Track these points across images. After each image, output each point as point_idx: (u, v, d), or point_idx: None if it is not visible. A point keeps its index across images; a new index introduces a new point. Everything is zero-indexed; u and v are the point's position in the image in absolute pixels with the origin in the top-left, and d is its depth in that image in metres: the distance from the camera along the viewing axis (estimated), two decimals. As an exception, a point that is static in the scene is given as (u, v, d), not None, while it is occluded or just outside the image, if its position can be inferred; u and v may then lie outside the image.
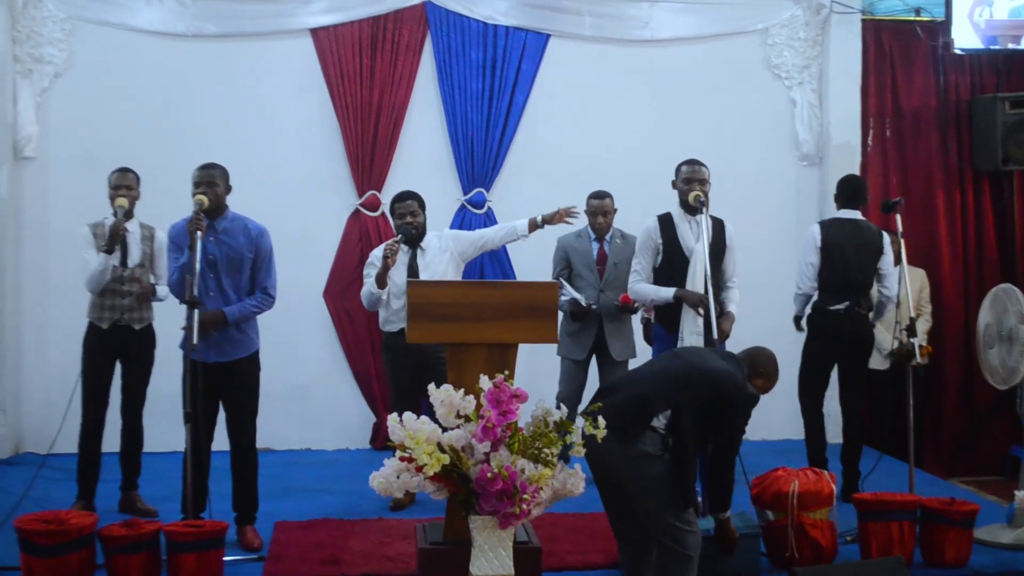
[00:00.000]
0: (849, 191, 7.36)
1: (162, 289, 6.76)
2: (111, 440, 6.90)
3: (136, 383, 6.87)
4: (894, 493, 5.99)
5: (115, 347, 6.79)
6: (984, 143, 9.26)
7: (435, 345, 6.73)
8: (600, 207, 7.68)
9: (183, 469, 5.77)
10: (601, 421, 4.72)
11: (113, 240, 6.58)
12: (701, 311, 6.50)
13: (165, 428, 7.03)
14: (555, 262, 7.79)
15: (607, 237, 7.69)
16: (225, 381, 6.10)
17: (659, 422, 4.90)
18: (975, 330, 7.16)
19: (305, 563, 5.77)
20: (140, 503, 6.79)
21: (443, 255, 7.15)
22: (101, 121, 8.68)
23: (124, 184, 6.74)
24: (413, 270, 7.08)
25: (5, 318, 8.49)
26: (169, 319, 6.44)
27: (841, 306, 7.14)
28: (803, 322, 7.45)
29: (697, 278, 6.61)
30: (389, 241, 7.06)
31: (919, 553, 5.87)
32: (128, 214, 6.66)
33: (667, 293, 6.70)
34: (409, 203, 7.12)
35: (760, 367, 5.23)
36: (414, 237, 7.07)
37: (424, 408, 5.47)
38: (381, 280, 6.94)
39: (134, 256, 6.79)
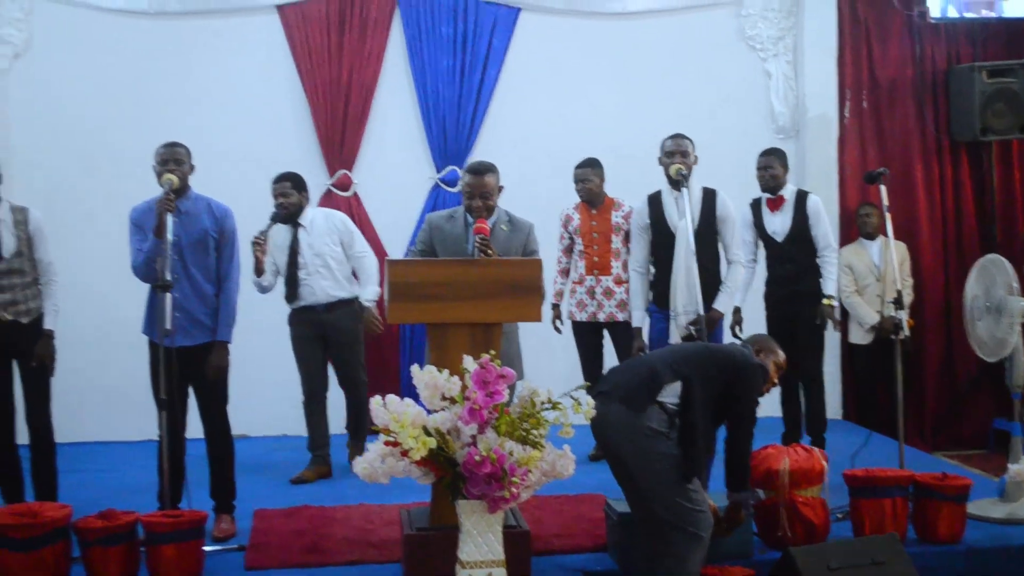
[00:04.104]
0: None
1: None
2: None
3: (32, 386, 6.08)
4: (885, 469, 5.89)
5: (2, 346, 6.05)
6: (961, 113, 9.16)
7: (336, 317, 7.14)
8: (478, 185, 5.90)
9: (158, 458, 5.61)
10: (589, 400, 4.69)
11: None
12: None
13: (135, 417, 6.85)
14: (417, 240, 6.24)
15: (490, 222, 5.94)
16: (195, 366, 5.87)
17: (669, 400, 4.84)
18: (955, 302, 7.12)
19: (287, 552, 5.61)
20: None
21: (330, 236, 7.23)
22: (62, 102, 8.48)
23: None
24: (294, 249, 7.18)
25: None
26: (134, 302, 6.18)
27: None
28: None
29: (681, 256, 6.55)
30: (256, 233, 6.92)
31: (912, 529, 5.78)
32: None
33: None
34: (282, 184, 7.21)
35: (762, 346, 5.26)
36: (285, 217, 7.14)
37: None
38: (257, 270, 6.96)
39: (8, 246, 5.95)
